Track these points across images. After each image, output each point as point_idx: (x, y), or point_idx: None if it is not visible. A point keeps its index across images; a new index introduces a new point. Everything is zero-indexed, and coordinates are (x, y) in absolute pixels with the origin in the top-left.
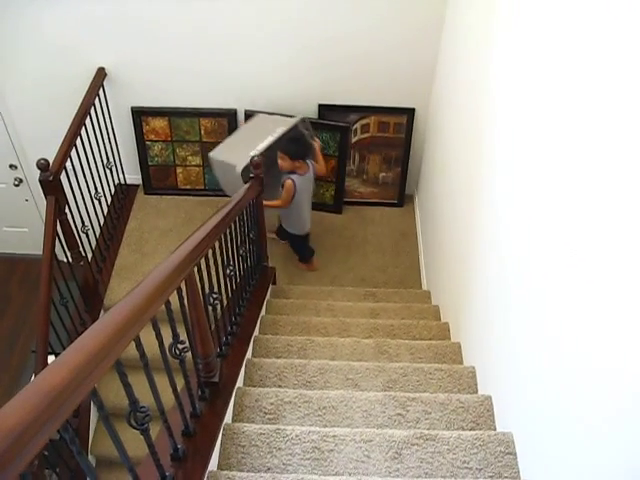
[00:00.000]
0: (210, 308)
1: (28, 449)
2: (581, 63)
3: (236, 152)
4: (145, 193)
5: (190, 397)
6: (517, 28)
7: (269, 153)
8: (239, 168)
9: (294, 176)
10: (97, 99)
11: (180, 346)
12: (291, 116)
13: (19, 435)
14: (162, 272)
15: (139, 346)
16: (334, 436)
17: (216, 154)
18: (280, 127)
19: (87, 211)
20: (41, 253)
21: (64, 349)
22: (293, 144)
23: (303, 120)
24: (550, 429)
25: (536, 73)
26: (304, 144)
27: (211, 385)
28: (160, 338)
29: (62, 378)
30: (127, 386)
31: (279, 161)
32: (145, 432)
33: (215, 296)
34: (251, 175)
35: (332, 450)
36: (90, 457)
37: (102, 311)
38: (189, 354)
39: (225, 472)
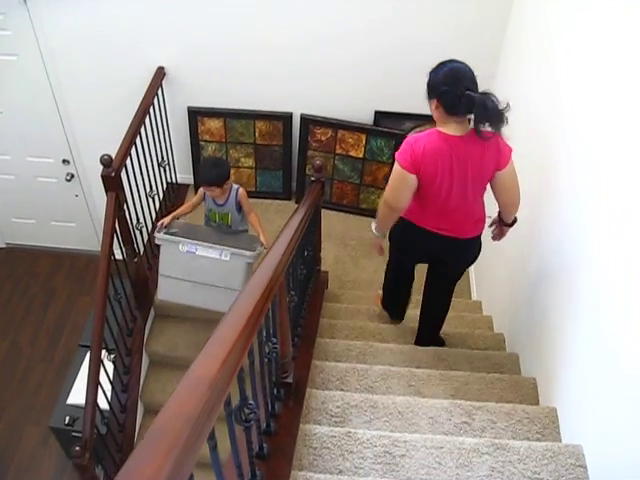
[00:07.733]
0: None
1: (202, 434)
2: None
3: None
4: (196, 193)
5: (271, 397)
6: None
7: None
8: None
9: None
10: (155, 98)
11: (271, 345)
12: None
13: (196, 421)
14: (268, 271)
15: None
16: (405, 441)
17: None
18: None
19: (142, 208)
20: (87, 248)
21: (115, 344)
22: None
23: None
24: (621, 442)
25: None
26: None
27: (285, 386)
28: (261, 337)
29: (217, 370)
30: (241, 381)
31: (209, 193)
32: (248, 429)
33: (292, 295)
34: (312, 179)
35: (404, 455)
36: None
37: (152, 308)
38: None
39: (302, 473)
